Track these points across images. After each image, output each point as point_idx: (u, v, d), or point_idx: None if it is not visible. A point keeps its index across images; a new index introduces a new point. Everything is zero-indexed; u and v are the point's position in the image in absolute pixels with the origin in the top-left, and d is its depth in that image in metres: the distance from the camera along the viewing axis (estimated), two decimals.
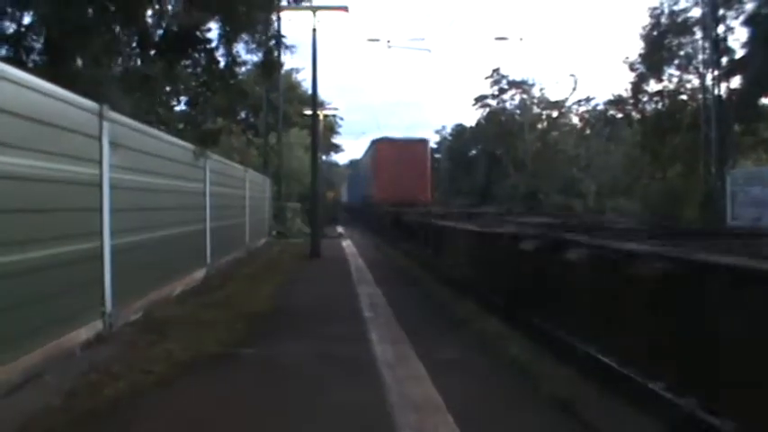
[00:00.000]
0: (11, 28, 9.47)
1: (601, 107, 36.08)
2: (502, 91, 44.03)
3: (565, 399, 4.10)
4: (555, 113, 41.83)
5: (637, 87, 31.69)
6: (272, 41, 16.16)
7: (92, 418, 3.87)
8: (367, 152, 33.65)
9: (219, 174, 12.35)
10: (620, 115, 34.73)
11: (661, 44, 28.80)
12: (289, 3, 16.59)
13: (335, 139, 56.65)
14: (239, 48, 14.65)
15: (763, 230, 10.34)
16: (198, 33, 13.63)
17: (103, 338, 5.87)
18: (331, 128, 51.32)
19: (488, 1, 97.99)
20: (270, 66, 16.74)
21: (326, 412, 4.05)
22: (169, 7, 12.81)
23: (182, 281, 9.11)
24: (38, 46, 9.44)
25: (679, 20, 27.85)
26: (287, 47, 18.43)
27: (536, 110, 41.45)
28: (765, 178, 16.62)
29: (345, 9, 16.04)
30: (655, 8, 28.76)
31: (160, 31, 13.06)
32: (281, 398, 4.36)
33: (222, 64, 14.33)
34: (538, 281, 6.19)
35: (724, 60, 23.56)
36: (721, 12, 23.30)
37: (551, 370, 4.73)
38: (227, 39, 14.10)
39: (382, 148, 28.94)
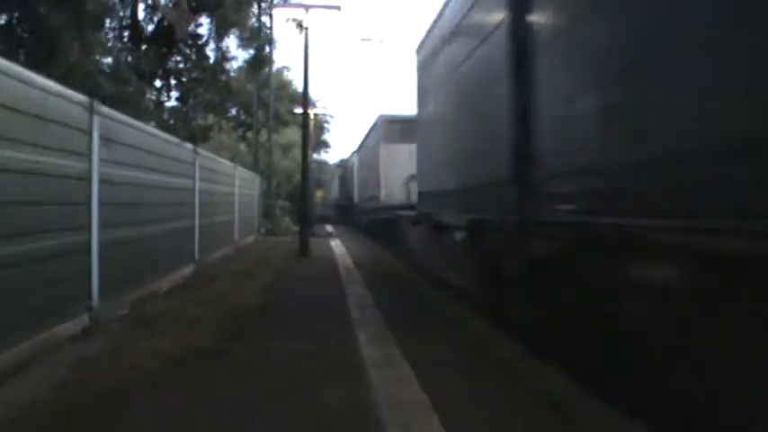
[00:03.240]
0: (1, 20, 9.41)
1: None
2: None
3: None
4: None
5: None
6: (263, 37, 16.19)
7: (79, 413, 3.86)
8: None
9: (209, 170, 12.33)
10: None
11: None
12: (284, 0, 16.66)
13: (325, 137, 56.62)
14: (229, 43, 14.68)
15: None
16: (189, 29, 13.61)
17: (90, 333, 5.86)
18: (321, 126, 51.27)
19: None
20: (259, 60, 16.74)
21: (313, 411, 4.06)
22: (162, 1, 12.78)
23: (170, 277, 9.10)
24: (28, 38, 9.37)
25: None
26: (273, 42, 18.42)
27: None
28: None
29: (338, 8, 16.15)
30: None
31: (151, 26, 13.04)
32: (268, 395, 4.37)
33: (212, 59, 14.34)
34: None
35: None
36: None
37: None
38: (218, 34, 14.09)
39: None
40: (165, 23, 12.49)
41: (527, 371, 4.81)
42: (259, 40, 15.64)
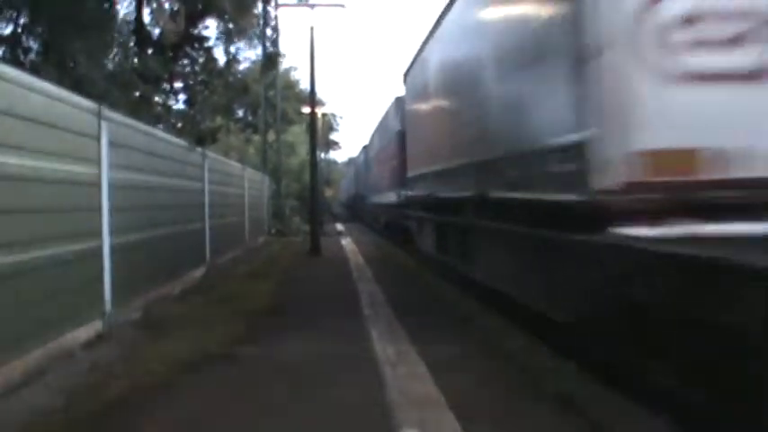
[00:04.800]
0: (8, 28, 9.45)
1: None
2: None
3: None
4: None
5: None
6: (271, 34, 16.20)
7: (93, 419, 3.86)
8: None
9: (218, 172, 12.35)
10: None
11: None
12: None
13: (333, 136, 56.65)
14: (238, 45, 14.70)
15: None
16: (195, 32, 13.64)
17: (104, 338, 5.87)
18: (329, 126, 51.27)
19: None
20: (270, 59, 16.77)
21: (328, 410, 4.05)
22: (166, 6, 12.80)
23: (181, 279, 9.12)
24: (35, 46, 9.42)
25: None
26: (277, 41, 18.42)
27: None
28: None
29: (342, 6, 16.17)
30: None
31: (157, 30, 13.06)
32: (282, 396, 4.36)
33: (221, 62, 14.36)
34: None
35: None
36: None
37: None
38: (227, 36, 14.12)
39: None
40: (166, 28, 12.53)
41: (537, 367, 4.78)
42: (265, 38, 15.68)
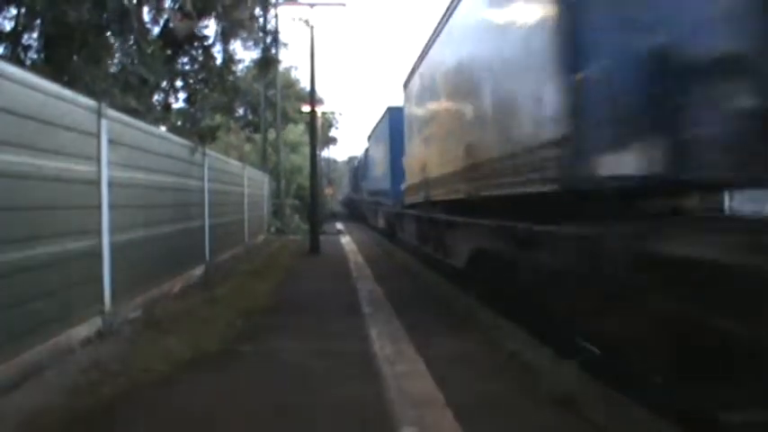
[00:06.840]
0: (8, 26, 9.43)
1: None
2: None
3: None
4: None
5: None
6: (269, 38, 16.20)
7: (92, 416, 3.87)
8: None
9: (218, 170, 12.34)
10: None
11: None
12: None
13: (333, 134, 56.63)
14: (236, 45, 14.68)
15: None
16: (194, 31, 13.61)
17: (103, 336, 5.87)
18: (329, 124, 51.27)
19: None
20: (267, 62, 16.76)
21: (327, 408, 4.06)
22: (166, 4, 12.77)
23: (181, 277, 9.11)
24: (35, 44, 9.40)
25: None
26: (280, 43, 18.45)
27: None
28: None
29: (343, 5, 16.16)
30: None
31: (157, 29, 13.03)
32: (281, 394, 4.36)
33: (219, 61, 14.33)
34: None
35: None
36: None
37: None
38: (224, 36, 14.09)
39: None
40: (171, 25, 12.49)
41: (538, 366, 4.78)
42: (264, 41, 15.65)
